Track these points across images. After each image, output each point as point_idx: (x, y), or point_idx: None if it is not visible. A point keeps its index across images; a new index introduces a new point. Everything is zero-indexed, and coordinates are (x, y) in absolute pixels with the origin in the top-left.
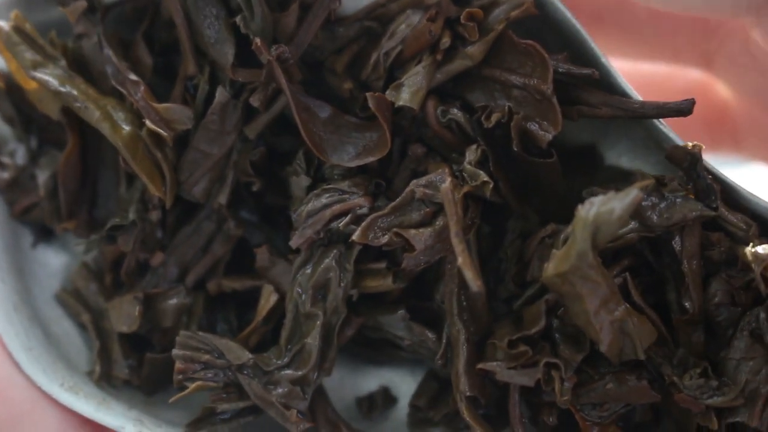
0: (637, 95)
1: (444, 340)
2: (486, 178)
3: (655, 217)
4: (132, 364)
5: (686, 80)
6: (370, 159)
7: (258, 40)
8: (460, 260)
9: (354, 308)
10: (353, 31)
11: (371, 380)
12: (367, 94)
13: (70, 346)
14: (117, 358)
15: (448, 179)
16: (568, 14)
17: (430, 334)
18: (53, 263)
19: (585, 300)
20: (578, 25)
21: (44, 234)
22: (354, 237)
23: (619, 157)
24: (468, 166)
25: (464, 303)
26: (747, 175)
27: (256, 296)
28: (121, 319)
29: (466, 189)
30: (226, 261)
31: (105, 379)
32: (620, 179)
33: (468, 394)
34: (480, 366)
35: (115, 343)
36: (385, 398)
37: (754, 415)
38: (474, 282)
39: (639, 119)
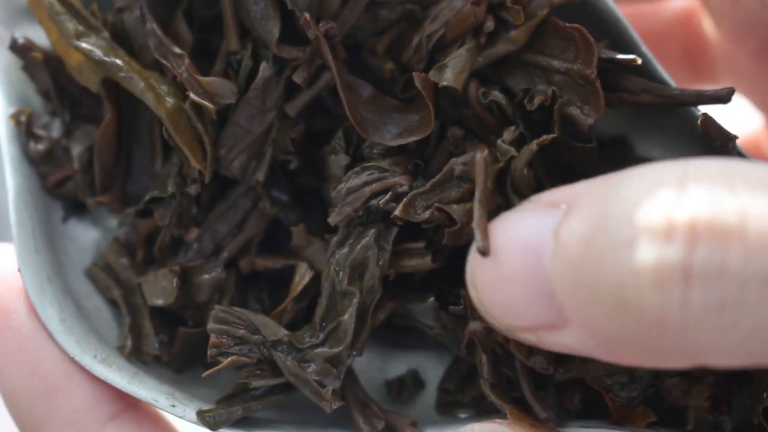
0: (675, 83)
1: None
2: (515, 153)
3: None
4: (163, 340)
5: (672, 10)
6: (413, 138)
7: (307, 15)
8: (473, 222)
9: (386, 291)
10: (396, 13)
11: (398, 365)
12: (414, 73)
13: (101, 321)
14: (148, 333)
15: (485, 150)
16: (610, 2)
17: (458, 323)
18: (83, 239)
19: None
20: (619, 13)
21: (75, 209)
22: (396, 212)
23: (651, 149)
24: (501, 144)
25: None
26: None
27: (287, 277)
28: (155, 293)
29: (501, 164)
30: (260, 240)
31: (135, 355)
32: None
33: (490, 381)
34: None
35: (146, 319)
36: (414, 381)
37: None
38: (480, 239)
39: (677, 107)
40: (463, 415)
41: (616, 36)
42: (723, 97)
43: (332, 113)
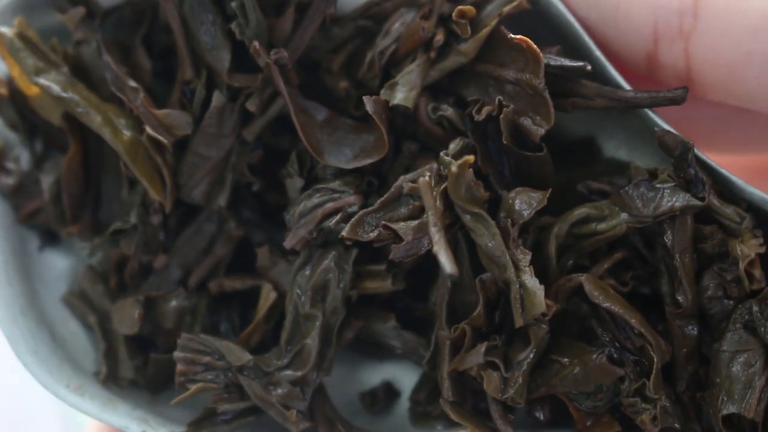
0: (629, 87)
1: (432, 345)
2: (455, 168)
3: (643, 208)
4: (138, 365)
5: None
6: (368, 161)
7: (256, 44)
8: (435, 247)
9: (353, 311)
10: (348, 30)
11: (374, 375)
12: (364, 97)
13: (77, 347)
14: (123, 358)
15: (427, 174)
16: (563, 8)
17: (419, 341)
18: (60, 266)
19: (480, 251)
20: (572, 19)
21: (50, 238)
22: (343, 233)
23: (617, 149)
24: (443, 157)
25: (454, 308)
26: None
27: (258, 296)
28: (123, 322)
29: (446, 184)
30: (228, 261)
31: (111, 380)
32: (616, 171)
33: (450, 399)
34: (449, 370)
35: (121, 344)
36: (387, 392)
37: (750, 408)
38: (448, 264)
39: (633, 109)
40: (439, 427)
41: (571, 43)
42: (677, 98)
43: (295, 132)
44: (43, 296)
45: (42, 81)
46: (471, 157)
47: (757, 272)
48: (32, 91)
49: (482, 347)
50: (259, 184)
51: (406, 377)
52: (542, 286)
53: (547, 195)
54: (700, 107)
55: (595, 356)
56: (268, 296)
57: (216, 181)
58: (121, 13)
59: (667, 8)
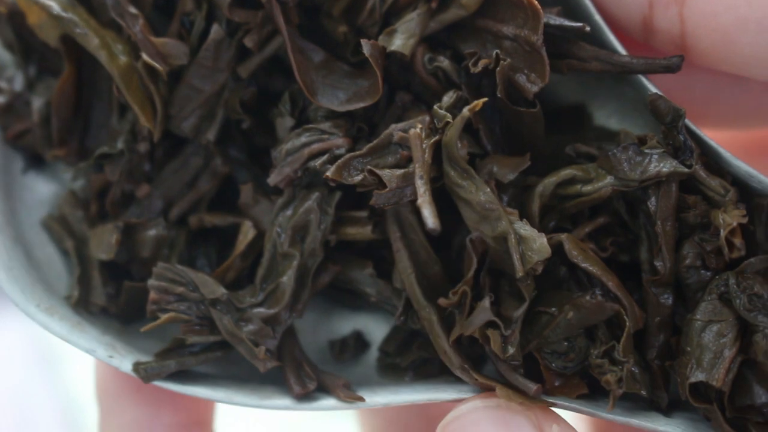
0: (625, 52)
1: (403, 300)
2: (449, 119)
3: (629, 171)
4: (110, 292)
5: None
6: (360, 105)
7: None
8: (419, 200)
9: (330, 256)
10: None
11: (346, 325)
12: (362, 40)
13: (51, 271)
14: (96, 285)
15: (419, 125)
16: None
17: (394, 291)
18: (42, 190)
19: (467, 209)
20: None
21: (35, 161)
22: (328, 173)
23: (609, 117)
24: (437, 110)
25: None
26: None
27: (236, 236)
28: (100, 246)
29: (437, 138)
30: (211, 197)
31: (82, 305)
32: (606, 139)
33: (460, 368)
34: (452, 341)
35: (96, 271)
36: (357, 342)
37: (719, 377)
38: (431, 219)
39: (628, 75)
40: (407, 378)
41: (569, 4)
42: (672, 66)
43: (290, 74)
44: (22, 217)
45: (43, 0)
46: (479, 102)
47: (738, 241)
48: (31, 10)
49: (487, 302)
50: (249, 122)
51: (377, 329)
52: (542, 233)
53: (528, 159)
54: (694, 76)
55: (588, 297)
56: (247, 233)
57: (207, 115)
58: None
59: None
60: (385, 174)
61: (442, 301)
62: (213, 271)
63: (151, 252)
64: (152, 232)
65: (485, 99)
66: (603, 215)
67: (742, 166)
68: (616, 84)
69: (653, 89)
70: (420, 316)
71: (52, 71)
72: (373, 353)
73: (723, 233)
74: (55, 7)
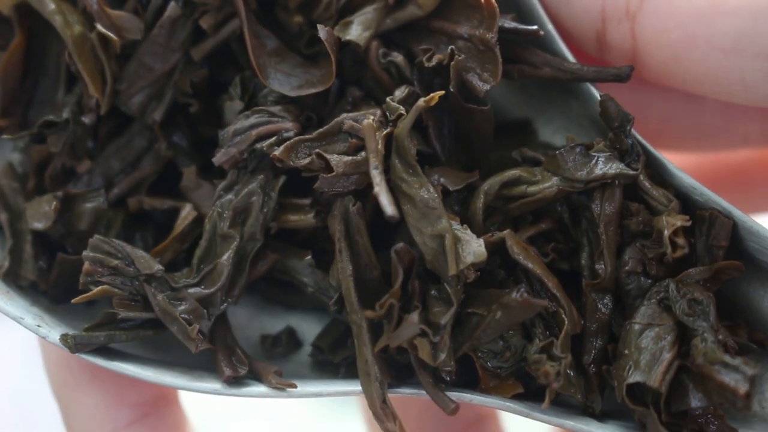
0: (574, 59)
1: (338, 293)
2: (402, 111)
3: (575, 172)
4: (42, 267)
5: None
6: (312, 90)
7: None
8: (375, 189)
9: (269, 245)
10: None
11: (278, 322)
12: (319, 26)
13: None
14: (27, 258)
15: (371, 116)
16: None
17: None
18: None
19: (408, 205)
20: None
21: None
22: (276, 153)
23: (554, 134)
24: (390, 102)
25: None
26: None
27: (174, 222)
28: (36, 216)
29: (389, 130)
30: (151, 181)
31: (12, 277)
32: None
33: (378, 381)
34: (375, 351)
35: (28, 244)
36: (289, 338)
37: (656, 378)
38: (389, 207)
39: (576, 86)
40: (339, 374)
41: (524, 13)
42: (622, 75)
43: (239, 64)
44: None
45: None
46: (435, 95)
47: (681, 240)
48: None
49: (415, 316)
50: (196, 107)
51: (308, 329)
52: (480, 239)
53: (477, 174)
54: (649, 95)
55: (514, 294)
56: (187, 215)
57: (155, 94)
58: None
59: None
60: (333, 158)
61: (369, 314)
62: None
63: (88, 225)
64: (91, 204)
65: (442, 92)
66: (545, 220)
67: (685, 178)
68: (563, 98)
69: (598, 96)
70: (351, 318)
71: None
72: (304, 352)
73: (667, 233)
74: None
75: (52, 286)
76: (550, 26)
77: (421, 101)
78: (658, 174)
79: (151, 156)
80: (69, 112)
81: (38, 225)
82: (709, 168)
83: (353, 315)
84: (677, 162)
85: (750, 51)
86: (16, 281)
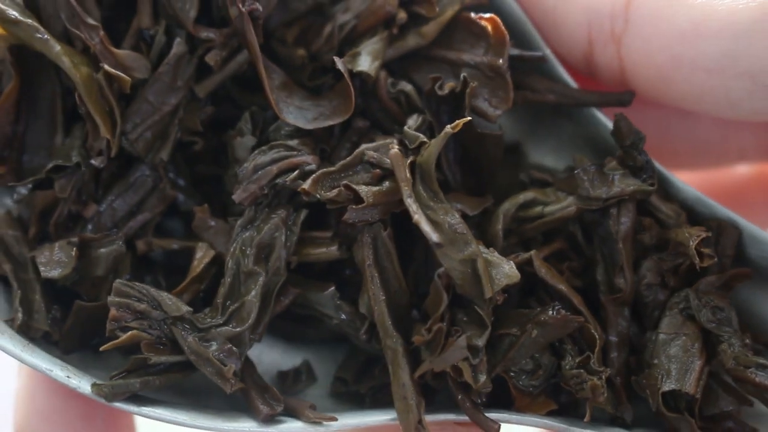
0: (575, 84)
1: (367, 323)
2: (424, 139)
3: (592, 191)
4: (55, 316)
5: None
6: (330, 122)
7: None
8: (415, 217)
9: (289, 279)
10: (305, 5)
11: (291, 357)
12: (335, 58)
13: None
14: (39, 308)
15: (397, 146)
16: (515, 5)
17: (356, 312)
18: None
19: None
20: (524, 15)
21: None
22: (304, 186)
23: (544, 156)
24: (408, 131)
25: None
26: None
27: (182, 262)
28: (50, 264)
29: (412, 158)
30: (158, 222)
31: (25, 329)
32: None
33: (417, 403)
34: (416, 376)
35: (37, 294)
36: (308, 372)
37: (692, 384)
38: (433, 233)
39: (575, 111)
40: (366, 404)
41: (521, 39)
42: (624, 100)
43: (237, 102)
44: None
45: None
46: (461, 122)
47: (707, 249)
48: None
49: (463, 340)
50: (201, 144)
51: (322, 363)
52: (510, 261)
53: (491, 199)
54: (645, 112)
55: (551, 311)
56: (204, 255)
57: (160, 133)
58: None
59: (599, 12)
60: (362, 189)
61: (417, 339)
62: None
63: (105, 270)
64: (107, 249)
65: (468, 119)
66: (559, 240)
67: (690, 190)
68: (554, 120)
69: (604, 119)
70: (384, 344)
71: None
72: (319, 385)
73: (693, 244)
74: (11, 12)
75: (65, 335)
76: (548, 51)
77: (448, 128)
78: (663, 188)
79: (155, 196)
80: (78, 155)
81: (53, 273)
82: (708, 186)
83: (387, 340)
84: None
85: (733, 71)
86: (28, 333)
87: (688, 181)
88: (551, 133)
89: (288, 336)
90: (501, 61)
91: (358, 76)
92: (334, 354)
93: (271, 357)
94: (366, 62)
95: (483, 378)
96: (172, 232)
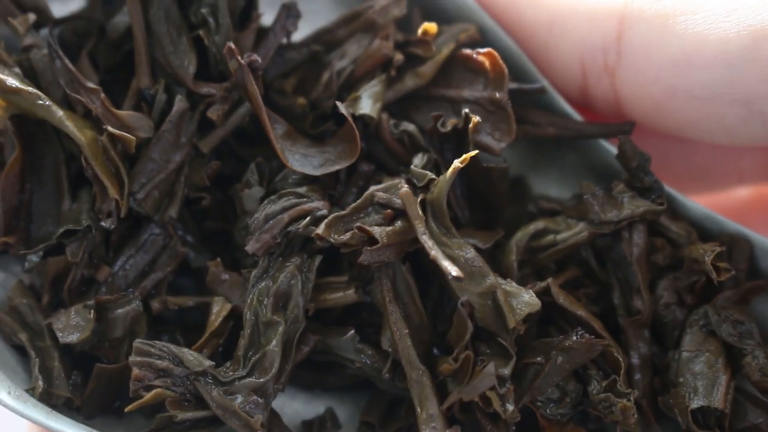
0: (578, 116)
1: (389, 362)
2: (432, 176)
3: (603, 215)
4: (75, 382)
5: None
6: (338, 167)
7: (231, 45)
8: (432, 254)
9: (307, 326)
10: (301, 55)
11: (312, 406)
12: (337, 102)
13: (5, 366)
14: (58, 375)
15: (406, 185)
16: (509, 40)
17: (378, 355)
18: None
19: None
20: (519, 50)
21: None
22: (318, 231)
23: (548, 186)
24: (415, 169)
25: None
26: None
27: (197, 319)
28: (67, 329)
29: (422, 196)
30: (170, 280)
31: (45, 398)
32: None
33: None
34: (445, 408)
35: (56, 361)
36: (332, 420)
37: (720, 400)
38: (454, 269)
39: (578, 142)
40: None
41: (517, 72)
42: (625, 131)
43: (239, 156)
44: None
45: None
46: (467, 156)
47: (723, 264)
48: None
49: (491, 367)
50: (209, 199)
51: (344, 410)
52: (529, 289)
53: (502, 232)
54: (644, 141)
55: (575, 337)
56: (222, 307)
57: (167, 191)
58: (71, 25)
59: (592, 46)
60: (376, 230)
61: (445, 368)
62: None
63: (123, 331)
64: (124, 310)
65: (475, 152)
66: (572, 268)
67: (698, 208)
68: (556, 150)
69: (607, 145)
70: (410, 377)
71: None
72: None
73: (708, 259)
74: (12, 81)
75: (87, 400)
76: (545, 82)
77: (457, 162)
78: (671, 207)
79: (167, 255)
80: (87, 219)
81: (71, 338)
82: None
83: (413, 373)
84: None
85: (727, 99)
86: (49, 401)
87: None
88: (554, 163)
89: (309, 385)
90: (501, 94)
91: (360, 120)
92: (357, 399)
93: (293, 407)
94: (367, 105)
95: (511, 407)
96: (184, 289)
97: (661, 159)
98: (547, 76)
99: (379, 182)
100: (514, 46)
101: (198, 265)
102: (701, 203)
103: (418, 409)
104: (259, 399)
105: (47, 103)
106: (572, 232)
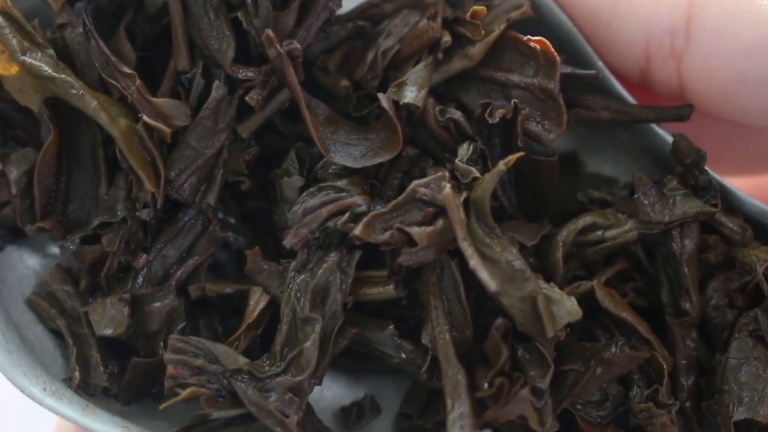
0: (632, 99)
1: (429, 359)
2: (477, 174)
3: (654, 215)
4: (112, 371)
5: None
6: (378, 160)
7: (269, 32)
8: (472, 263)
9: (347, 319)
10: (346, 30)
11: (353, 391)
12: (379, 94)
13: (44, 352)
14: (96, 364)
15: (448, 184)
16: (565, 17)
17: (417, 350)
18: (21, 267)
19: (492, 269)
20: (574, 28)
21: (12, 236)
22: (355, 231)
23: (602, 164)
24: (460, 164)
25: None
26: None
27: (237, 304)
28: (104, 322)
29: (465, 194)
30: (209, 265)
31: (83, 387)
32: (605, 185)
33: None
34: (484, 421)
35: (93, 349)
36: (371, 406)
37: (764, 414)
38: (491, 282)
39: (638, 123)
40: None
41: (572, 51)
42: (683, 115)
43: (282, 134)
44: (6, 297)
45: (30, 60)
46: (513, 157)
47: None
48: (11, 71)
49: (526, 392)
50: (248, 184)
51: (386, 395)
52: (572, 297)
53: (548, 224)
54: (704, 123)
55: (614, 349)
56: (259, 300)
57: (205, 177)
58: (99, 2)
59: (659, 27)
60: (415, 231)
61: (481, 393)
62: (221, 342)
63: (159, 325)
64: (161, 303)
65: (521, 153)
66: (620, 261)
67: (755, 203)
68: (610, 127)
69: (661, 133)
70: (446, 374)
71: (20, 141)
72: (384, 418)
73: (760, 269)
74: (45, 68)
75: (123, 389)
76: (600, 63)
77: (501, 164)
78: (726, 201)
79: (205, 239)
80: (123, 209)
81: (107, 331)
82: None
83: (449, 371)
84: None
85: None
86: (86, 390)
87: (746, 186)
88: (609, 142)
89: (349, 370)
90: (552, 83)
91: (405, 107)
92: (397, 384)
93: (333, 391)
94: (412, 93)
95: (549, 420)
96: (223, 266)
97: (722, 142)
98: (607, 56)
99: (423, 169)
100: (569, 24)
101: (238, 246)
102: (758, 184)
103: (449, 407)
104: (294, 397)
105: (81, 92)
106: (621, 230)
